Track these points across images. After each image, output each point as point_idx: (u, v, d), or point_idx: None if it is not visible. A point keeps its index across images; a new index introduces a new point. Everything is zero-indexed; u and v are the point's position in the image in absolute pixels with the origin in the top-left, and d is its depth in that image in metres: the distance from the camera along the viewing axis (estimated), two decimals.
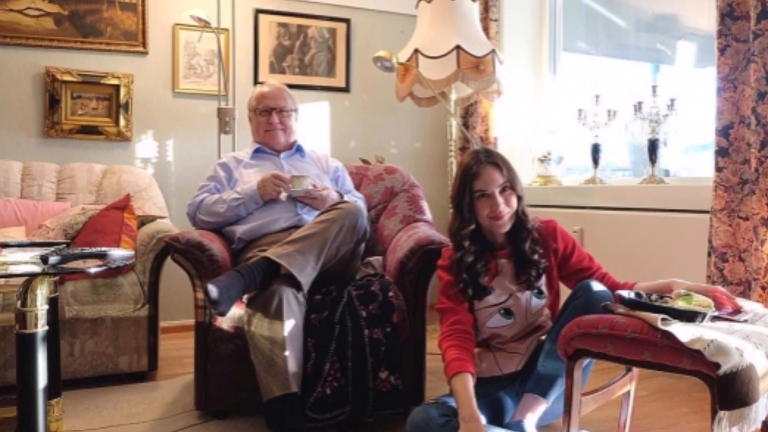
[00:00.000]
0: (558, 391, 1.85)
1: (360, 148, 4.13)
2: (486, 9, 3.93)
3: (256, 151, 2.76)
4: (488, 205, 1.92)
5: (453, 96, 3.64)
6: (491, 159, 1.94)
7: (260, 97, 2.76)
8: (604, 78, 3.89)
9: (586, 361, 1.75)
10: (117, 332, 2.67)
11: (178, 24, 3.73)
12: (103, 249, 1.84)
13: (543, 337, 1.96)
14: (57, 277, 2.11)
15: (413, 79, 3.42)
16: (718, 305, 1.68)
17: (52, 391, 1.94)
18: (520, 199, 1.96)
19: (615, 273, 2.02)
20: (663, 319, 1.50)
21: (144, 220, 3.02)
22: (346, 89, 4.17)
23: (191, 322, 2.34)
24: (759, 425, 1.42)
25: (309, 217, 2.49)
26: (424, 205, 2.85)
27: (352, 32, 4.16)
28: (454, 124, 3.68)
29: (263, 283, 2.15)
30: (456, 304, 1.96)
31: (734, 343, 1.42)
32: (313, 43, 4.08)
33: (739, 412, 1.37)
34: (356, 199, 2.69)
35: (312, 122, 4.02)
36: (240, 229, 2.51)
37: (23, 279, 1.58)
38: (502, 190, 1.92)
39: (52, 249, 1.82)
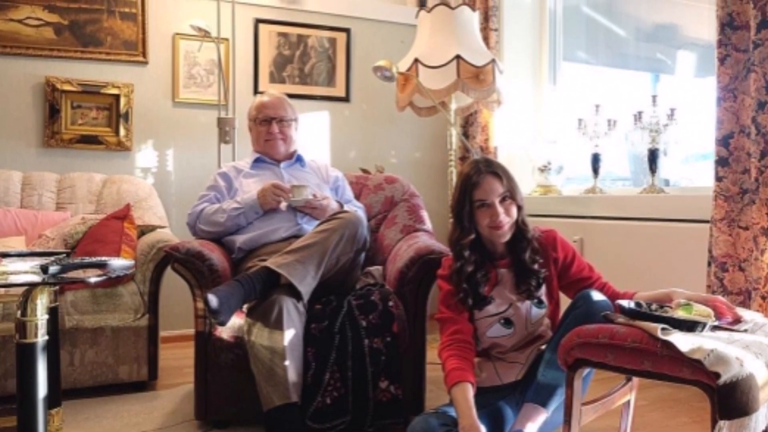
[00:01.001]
0: (558, 400, 1.84)
1: (360, 158, 4.13)
2: (486, 19, 3.94)
3: (256, 160, 2.76)
4: (488, 214, 1.92)
5: (453, 105, 3.64)
6: (491, 168, 1.95)
7: (260, 106, 2.77)
8: (604, 87, 3.90)
9: (586, 370, 1.75)
10: (117, 342, 2.66)
11: (178, 33, 3.74)
12: (103, 259, 1.84)
13: (543, 347, 1.95)
14: (57, 287, 2.11)
15: (413, 89, 3.43)
16: (718, 315, 1.68)
17: (52, 401, 1.93)
18: (520, 208, 1.97)
19: (615, 283, 2.02)
20: (663, 329, 1.50)
21: (144, 230, 3.02)
22: (346, 99, 4.18)
23: (191, 331, 2.34)
24: None
25: (309, 226, 2.49)
26: (424, 214, 2.85)
27: (352, 42, 4.17)
28: (454, 133, 3.69)
29: (263, 293, 2.15)
30: (456, 313, 1.96)
31: (734, 353, 1.42)
32: (313, 52, 4.09)
33: (739, 421, 1.37)
34: (356, 209, 2.69)
35: (312, 132, 4.02)
36: (240, 239, 2.51)
37: (23, 289, 1.58)
38: (502, 200, 1.93)
39: (52, 259, 1.82)
